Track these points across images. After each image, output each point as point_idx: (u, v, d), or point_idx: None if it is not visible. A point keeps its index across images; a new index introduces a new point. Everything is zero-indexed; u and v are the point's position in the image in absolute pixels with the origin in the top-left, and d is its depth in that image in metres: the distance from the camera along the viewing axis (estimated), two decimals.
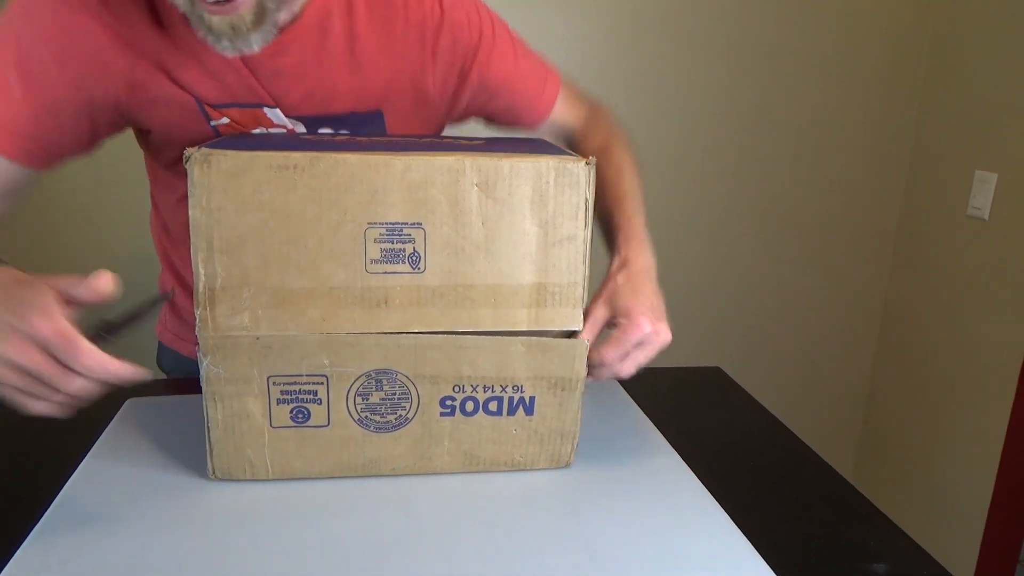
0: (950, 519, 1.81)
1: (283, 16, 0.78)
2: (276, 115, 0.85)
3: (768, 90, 1.83)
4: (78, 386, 0.57)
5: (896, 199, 1.96)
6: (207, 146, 0.64)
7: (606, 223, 0.86)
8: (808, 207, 1.93)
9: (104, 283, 0.59)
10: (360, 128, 0.88)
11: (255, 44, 0.74)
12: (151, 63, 0.79)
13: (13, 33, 0.76)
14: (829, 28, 1.80)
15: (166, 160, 0.91)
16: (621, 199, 0.86)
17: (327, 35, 0.83)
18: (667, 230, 1.87)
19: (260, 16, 0.71)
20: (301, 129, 0.87)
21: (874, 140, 1.91)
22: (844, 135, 1.89)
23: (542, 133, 0.98)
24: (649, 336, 0.73)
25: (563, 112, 0.98)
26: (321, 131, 0.87)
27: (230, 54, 0.74)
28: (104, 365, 0.56)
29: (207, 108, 0.82)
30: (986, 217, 1.70)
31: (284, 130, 0.86)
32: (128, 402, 0.87)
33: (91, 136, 0.82)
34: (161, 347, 1.10)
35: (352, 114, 0.87)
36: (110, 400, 0.87)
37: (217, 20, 0.70)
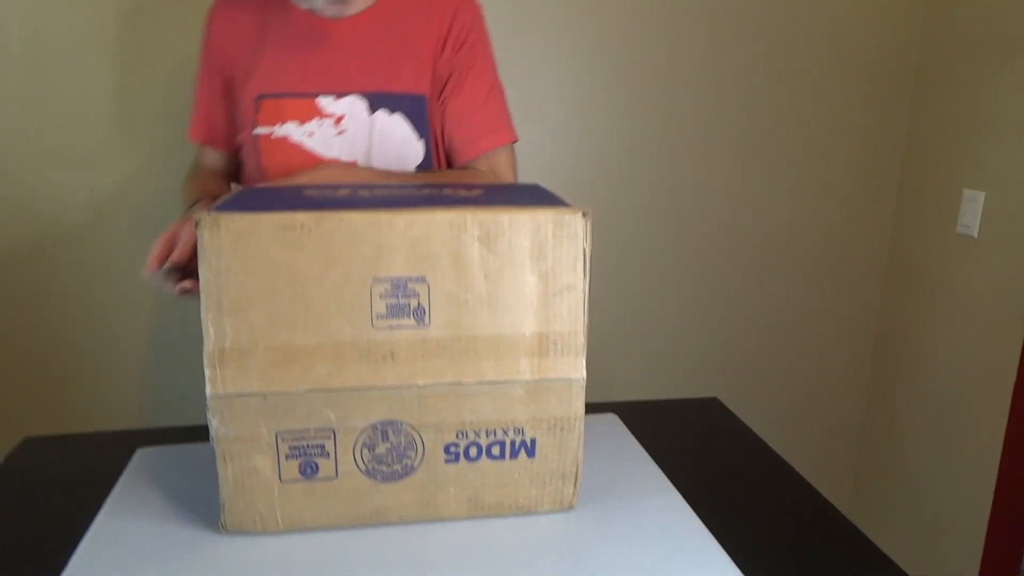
0: (949, 540, 1.82)
1: None
2: (328, 103, 1.03)
3: (757, 109, 1.85)
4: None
5: (886, 218, 1.98)
6: (216, 209, 0.65)
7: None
8: (798, 229, 1.95)
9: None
10: (409, 109, 1.05)
11: (352, 7, 1.02)
12: (239, 53, 1.06)
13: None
14: (817, 48, 1.83)
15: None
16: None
17: (395, 20, 1.04)
18: (658, 256, 1.89)
19: None
20: (362, 106, 1.03)
21: (863, 160, 1.93)
22: (833, 155, 1.92)
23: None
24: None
25: (497, 163, 1.10)
26: (378, 110, 1.04)
27: (329, 14, 1.02)
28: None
29: (260, 107, 1.03)
30: (975, 235, 1.72)
31: (333, 120, 1.03)
32: (138, 452, 0.88)
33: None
34: None
35: (404, 95, 1.04)
36: (120, 450, 0.89)
37: None
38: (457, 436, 0.72)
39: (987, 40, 1.69)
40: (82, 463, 0.90)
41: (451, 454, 0.73)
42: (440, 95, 1.07)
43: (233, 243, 0.65)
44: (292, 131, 1.04)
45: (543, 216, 0.70)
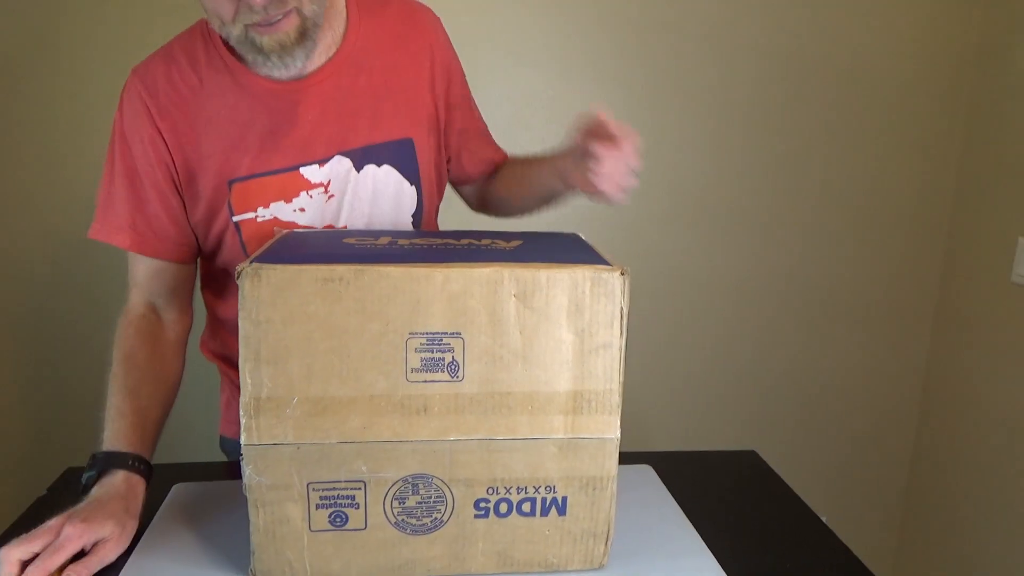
0: None
1: (322, 41, 0.92)
2: (312, 172, 0.95)
3: (804, 154, 1.83)
4: None
5: (936, 267, 1.93)
6: (256, 260, 0.67)
7: (533, 176, 1.02)
8: (845, 277, 1.91)
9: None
10: (395, 157, 0.99)
11: (299, 60, 0.88)
12: (194, 148, 0.93)
13: (115, 143, 0.94)
14: (867, 90, 1.81)
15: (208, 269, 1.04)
16: (531, 159, 1.03)
17: (361, 68, 0.96)
18: (698, 303, 1.87)
19: (303, 34, 0.86)
20: (345, 167, 0.96)
21: (912, 208, 1.89)
22: (881, 203, 1.88)
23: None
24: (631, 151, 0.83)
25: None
26: (365, 166, 0.97)
27: (277, 73, 0.90)
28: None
29: (234, 193, 0.93)
30: None
31: (322, 188, 0.96)
32: (175, 488, 0.90)
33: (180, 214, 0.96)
34: (224, 439, 1.15)
35: (388, 143, 0.98)
36: (159, 483, 0.90)
37: (267, 39, 0.84)
38: (488, 492, 0.72)
39: None
40: None
41: (481, 509, 0.73)
42: (445, 128, 1.05)
43: (273, 295, 0.66)
44: (280, 210, 0.95)
45: (581, 274, 0.70)
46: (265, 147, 0.93)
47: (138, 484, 0.82)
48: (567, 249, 0.82)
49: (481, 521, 0.73)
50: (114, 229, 0.94)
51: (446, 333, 0.69)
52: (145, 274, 0.97)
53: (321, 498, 0.69)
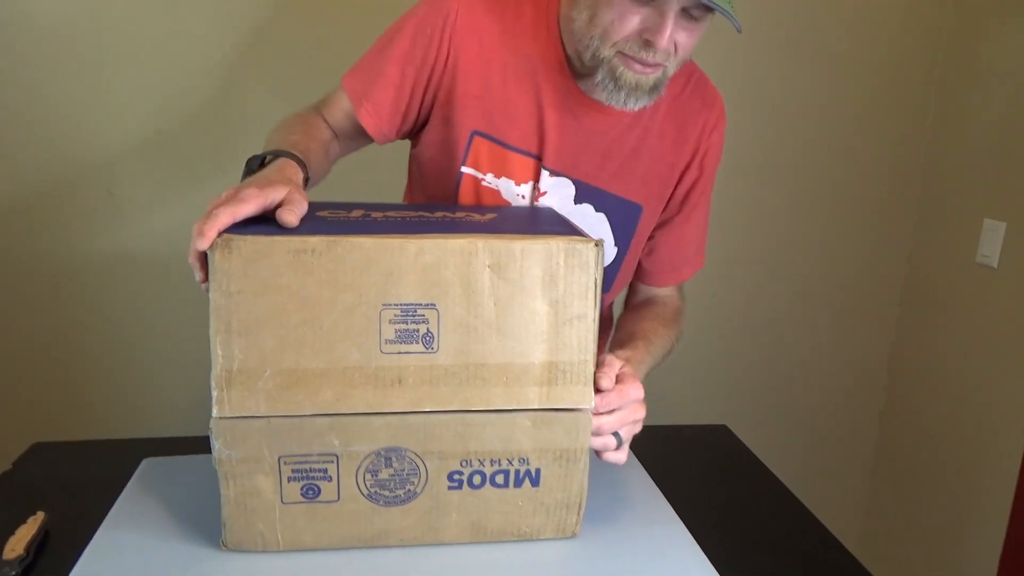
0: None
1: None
2: (546, 176, 0.95)
3: (774, 136, 1.84)
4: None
5: (904, 248, 1.96)
6: (228, 232, 0.66)
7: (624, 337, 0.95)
8: (814, 255, 1.93)
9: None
10: (617, 213, 0.98)
11: (639, 104, 0.88)
12: (467, 80, 0.92)
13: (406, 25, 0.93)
14: (835, 77, 1.82)
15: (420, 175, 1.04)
16: (650, 338, 0.95)
17: (639, 123, 0.96)
18: None
19: (654, 88, 0.86)
20: (568, 192, 0.96)
21: (881, 189, 1.91)
22: (851, 184, 1.90)
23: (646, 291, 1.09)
24: (639, 402, 0.78)
25: (670, 288, 1.08)
26: (584, 203, 0.97)
27: (618, 106, 0.88)
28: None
29: (474, 145, 0.94)
30: (995, 265, 1.70)
31: (539, 192, 0.96)
32: (145, 462, 0.89)
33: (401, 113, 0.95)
34: None
35: (620, 199, 0.98)
36: (128, 458, 0.89)
37: (630, 75, 0.84)
38: (461, 464, 0.72)
39: (1008, 67, 1.68)
40: (89, 470, 0.91)
41: (455, 482, 0.73)
42: (667, 210, 1.02)
43: (244, 266, 0.65)
44: (507, 187, 0.96)
45: (555, 245, 0.70)
46: (522, 125, 0.94)
47: (301, 175, 0.79)
48: (541, 221, 0.82)
49: (455, 493, 0.73)
50: (361, 88, 0.94)
51: (420, 304, 0.68)
52: (341, 116, 0.97)
53: (293, 471, 0.69)
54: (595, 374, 0.73)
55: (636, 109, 0.89)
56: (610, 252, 1.00)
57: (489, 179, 0.95)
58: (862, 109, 1.85)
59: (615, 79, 0.85)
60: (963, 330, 1.80)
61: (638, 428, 0.80)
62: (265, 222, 0.69)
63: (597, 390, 0.74)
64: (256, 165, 0.79)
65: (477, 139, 0.94)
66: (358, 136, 0.98)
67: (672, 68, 0.86)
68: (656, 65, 0.84)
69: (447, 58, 0.92)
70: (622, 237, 1.00)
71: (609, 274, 1.02)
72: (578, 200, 0.97)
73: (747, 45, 1.75)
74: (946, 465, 1.84)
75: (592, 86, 0.89)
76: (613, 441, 0.76)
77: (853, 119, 1.85)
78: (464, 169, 0.95)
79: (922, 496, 1.92)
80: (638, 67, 0.84)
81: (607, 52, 0.84)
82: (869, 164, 1.89)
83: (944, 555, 1.85)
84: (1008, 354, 1.67)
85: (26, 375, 1.66)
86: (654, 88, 0.86)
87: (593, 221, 0.98)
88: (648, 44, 0.82)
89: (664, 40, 0.81)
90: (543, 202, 0.97)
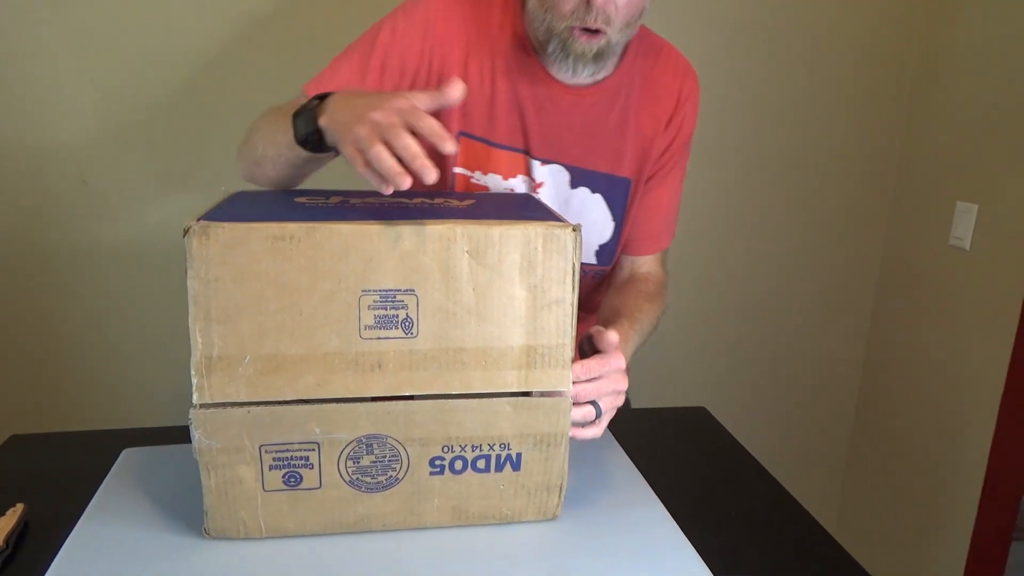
0: (934, 557, 1.83)
1: (608, 65, 0.96)
2: (536, 166, 0.98)
3: (749, 122, 1.85)
4: (414, 145, 0.66)
5: (879, 230, 1.98)
6: (205, 218, 0.65)
7: (610, 315, 0.96)
8: (790, 238, 1.95)
9: (455, 90, 0.71)
10: (610, 190, 1.02)
11: (586, 71, 0.93)
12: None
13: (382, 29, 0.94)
14: (809, 63, 1.83)
15: None
16: (635, 315, 0.96)
17: (617, 102, 0.99)
18: None
19: (602, 51, 0.90)
20: (564, 178, 0.99)
21: (857, 172, 1.93)
22: (826, 166, 1.91)
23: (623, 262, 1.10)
24: (621, 372, 0.79)
25: (651, 261, 1.09)
26: (580, 186, 1.01)
27: (561, 76, 0.94)
28: (434, 129, 0.67)
29: (462, 145, 0.96)
30: (967, 247, 1.73)
31: (533, 184, 0.99)
32: (124, 452, 0.88)
33: None
34: None
35: (611, 176, 1.01)
36: (107, 449, 0.89)
37: (578, 45, 0.89)
38: (443, 450, 0.73)
39: (981, 51, 1.70)
40: (68, 462, 0.90)
41: (436, 467, 0.73)
42: (646, 179, 1.05)
43: (222, 253, 0.65)
44: (495, 183, 0.99)
45: (533, 230, 0.70)
46: (502, 121, 0.96)
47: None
48: (520, 207, 0.83)
49: (436, 478, 0.74)
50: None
51: (399, 290, 0.68)
52: None
53: (274, 459, 0.69)
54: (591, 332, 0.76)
55: (586, 79, 0.94)
56: (609, 229, 1.04)
57: (477, 176, 0.98)
58: (836, 95, 1.86)
59: (564, 50, 0.90)
60: (937, 312, 1.82)
61: (620, 400, 0.81)
62: (245, 205, 0.68)
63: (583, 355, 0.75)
64: (315, 104, 0.78)
65: (463, 140, 0.97)
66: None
67: (616, 34, 0.89)
68: (598, 32, 0.88)
69: (428, 69, 0.94)
70: (618, 213, 1.03)
71: (610, 249, 1.05)
72: (574, 184, 1.00)
73: (722, 33, 1.76)
74: (922, 444, 1.88)
75: (552, 64, 0.94)
76: (592, 411, 0.77)
77: (827, 105, 1.87)
78: (456, 170, 0.98)
79: (898, 474, 1.96)
80: (584, 37, 0.88)
81: (558, 26, 0.88)
82: (844, 149, 1.91)
83: (919, 531, 1.88)
84: (979, 335, 1.70)
85: (2, 366, 1.64)
86: (598, 55, 0.90)
87: (591, 202, 1.01)
88: (588, 5, 0.85)
89: None
90: (541, 192, 1.00)
